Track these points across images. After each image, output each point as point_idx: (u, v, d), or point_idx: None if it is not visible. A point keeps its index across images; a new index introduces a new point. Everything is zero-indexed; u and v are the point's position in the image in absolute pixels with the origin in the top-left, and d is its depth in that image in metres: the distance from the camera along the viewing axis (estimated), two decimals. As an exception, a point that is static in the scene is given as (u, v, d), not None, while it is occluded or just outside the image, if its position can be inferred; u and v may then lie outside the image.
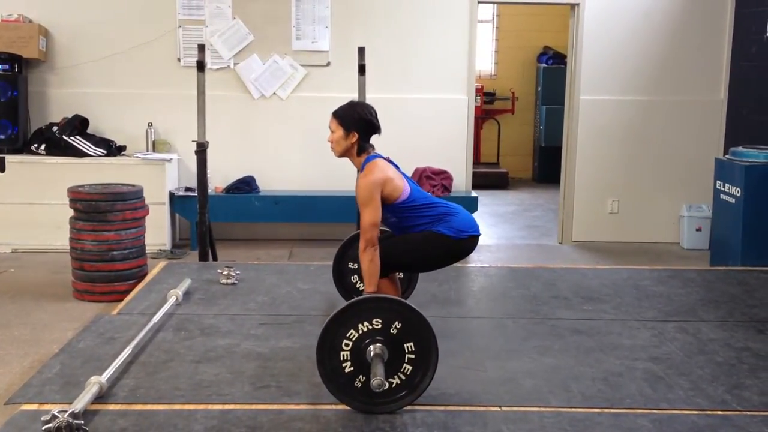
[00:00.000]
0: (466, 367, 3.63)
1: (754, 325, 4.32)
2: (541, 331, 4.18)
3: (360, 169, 3.67)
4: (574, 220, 7.11)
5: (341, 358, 3.12)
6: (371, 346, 3.11)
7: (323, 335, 3.12)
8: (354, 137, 3.63)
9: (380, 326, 3.13)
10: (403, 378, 3.15)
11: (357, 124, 3.64)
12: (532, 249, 6.98)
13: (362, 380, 3.13)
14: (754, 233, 5.79)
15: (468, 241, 3.72)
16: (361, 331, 3.12)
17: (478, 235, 3.77)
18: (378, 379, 2.96)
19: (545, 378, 3.51)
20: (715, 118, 7.02)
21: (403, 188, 3.64)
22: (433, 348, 3.15)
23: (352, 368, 3.13)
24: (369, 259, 3.49)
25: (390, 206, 3.62)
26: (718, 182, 6.13)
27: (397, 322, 3.13)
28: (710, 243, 6.57)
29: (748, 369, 3.66)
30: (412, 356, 3.15)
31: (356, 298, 3.31)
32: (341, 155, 3.73)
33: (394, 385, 3.13)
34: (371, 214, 3.51)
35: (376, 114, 3.71)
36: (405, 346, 3.14)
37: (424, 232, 3.67)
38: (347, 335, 3.12)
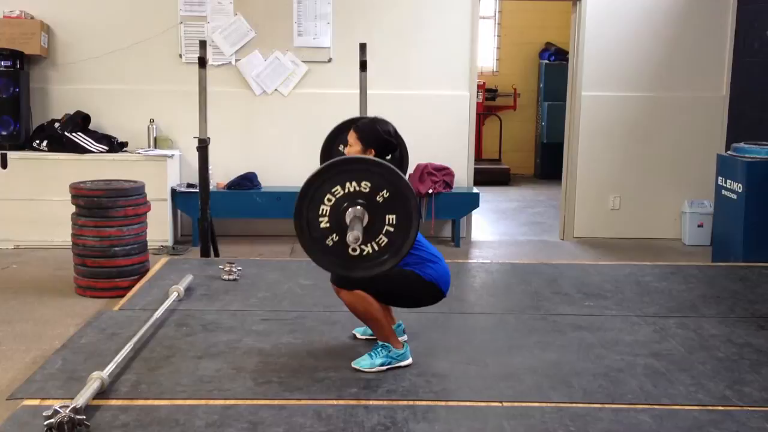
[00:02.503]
0: (467, 363, 3.63)
1: (756, 320, 4.32)
2: (542, 326, 4.19)
3: None
4: (576, 216, 7.11)
5: (320, 212, 3.18)
6: (351, 208, 3.15)
7: (306, 187, 3.20)
8: (370, 154, 3.60)
9: (368, 191, 3.15)
10: (376, 248, 3.18)
11: (376, 142, 3.62)
12: (533, 245, 6.98)
13: (335, 239, 3.18)
14: (755, 229, 5.77)
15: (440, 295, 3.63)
16: (347, 191, 3.16)
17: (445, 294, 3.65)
18: (355, 233, 3.00)
19: (546, 373, 3.51)
20: (717, 114, 7.01)
21: None
22: (413, 226, 3.15)
23: (328, 225, 3.18)
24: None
25: None
26: (720, 178, 6.12)
27: (385, 191, 3.15)
28: (712, 239, 6.57)
29: (749, 365, 3.67)
30: (391, 229, 3.16)
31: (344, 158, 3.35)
32: None
33: (365, 252, 3.17)
34: None
35: (396, 134, 3.70)
36: (387, 217, 3.15)
37: (410, 272, 3.52)
38: (332, 191, 3.17)
